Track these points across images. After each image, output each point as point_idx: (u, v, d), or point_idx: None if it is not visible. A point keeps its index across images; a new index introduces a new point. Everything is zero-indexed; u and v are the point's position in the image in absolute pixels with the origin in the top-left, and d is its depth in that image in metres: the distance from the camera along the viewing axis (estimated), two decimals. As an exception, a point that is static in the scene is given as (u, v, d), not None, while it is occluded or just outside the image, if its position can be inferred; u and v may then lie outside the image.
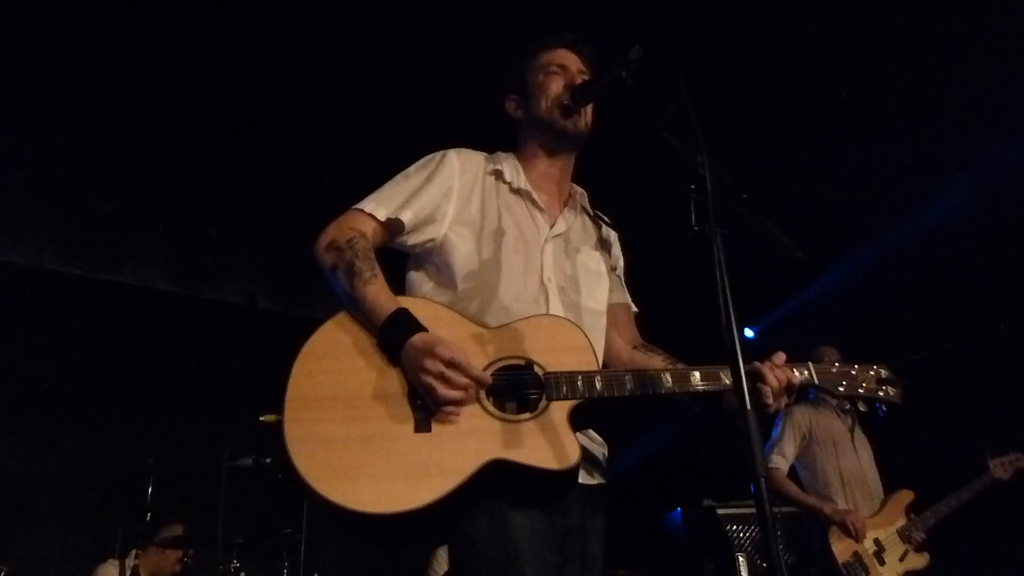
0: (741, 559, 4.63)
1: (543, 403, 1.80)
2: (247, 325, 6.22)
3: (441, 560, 4.80)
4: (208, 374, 5.72)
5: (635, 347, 2.23)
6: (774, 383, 1.87)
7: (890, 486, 4.51)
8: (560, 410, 1.80)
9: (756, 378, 1.88)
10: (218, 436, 4.55)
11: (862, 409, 2.08)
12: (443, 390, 1.73)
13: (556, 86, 2.18)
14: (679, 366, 2.01)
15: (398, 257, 2.14)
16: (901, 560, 4.23)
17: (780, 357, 1.94)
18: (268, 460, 4.17)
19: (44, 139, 5.04)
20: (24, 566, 4.76)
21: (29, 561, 4.85)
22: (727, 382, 1.87)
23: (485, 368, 1.82)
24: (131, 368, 5.41)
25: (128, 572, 4.50)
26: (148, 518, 4.52)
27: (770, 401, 1.87)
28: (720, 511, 4.88)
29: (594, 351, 1.93)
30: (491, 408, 1.79)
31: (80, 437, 5.22)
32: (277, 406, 1.76)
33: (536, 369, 1.84)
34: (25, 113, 4.90)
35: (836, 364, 2.07)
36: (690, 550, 5.02)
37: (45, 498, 5.07)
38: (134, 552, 4.69)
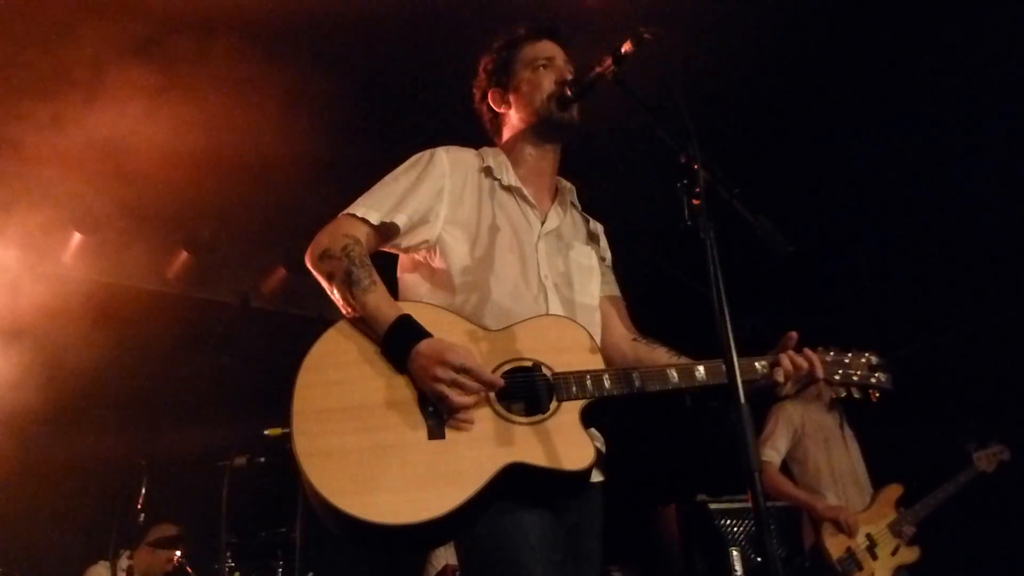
0: (735, 553, 4.64)
1: (553, 404, 1.81)
2: (239, 325, 6.20)
3: (440, 557, 4.80)
4: (200, 374, 5.70)
5: (635, 339, 2.23)
6: (789, 367, 1.92)
7: (876, 481, 4.55)
8: (571, 410, 1.81)
9: (776, 365, 1.93)
10: (211, 436, 4.54)
11: (856, 396, 2.10)
12: (456, 397, 1.73)
13: (548, 81, 2.19)
14: (683, 359, 2.03)
15: (388, 259, 2.13)
16: (893, 554, 4.26)
17: (792, 337, 1.97)
18: (262, 459, 4.17)
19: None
20: (16, 567, 4.73)
21: (21, 561, 4.81)
22: None
23: (493, 371, 1.81)
24: (123, 369, 5.38)
25: (123, 575, 4.48)
26: (141, 519, 4.50)
27: (781, 379, 1.92)
28: (713, 506, 4.88)
29: (599, 350, 1.94)
30: (502, 411, 1.79)
31: (72, 438, 5.19)
32: (283, 419, 1.74)
33: (544, 370, 1.85)
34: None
35: (831, 353, 2.09)
36: (683, 545, 5.02)
37: (37, 499, 5.04)
38: (126, 553, 4.68)
